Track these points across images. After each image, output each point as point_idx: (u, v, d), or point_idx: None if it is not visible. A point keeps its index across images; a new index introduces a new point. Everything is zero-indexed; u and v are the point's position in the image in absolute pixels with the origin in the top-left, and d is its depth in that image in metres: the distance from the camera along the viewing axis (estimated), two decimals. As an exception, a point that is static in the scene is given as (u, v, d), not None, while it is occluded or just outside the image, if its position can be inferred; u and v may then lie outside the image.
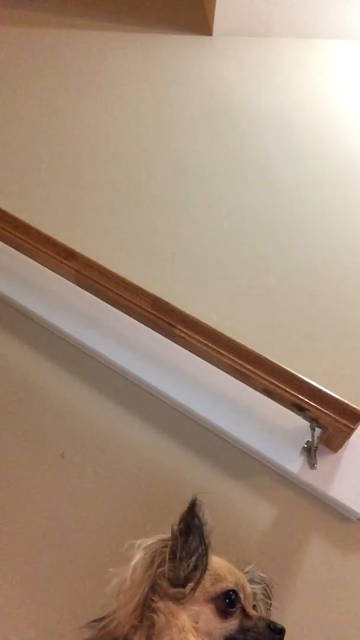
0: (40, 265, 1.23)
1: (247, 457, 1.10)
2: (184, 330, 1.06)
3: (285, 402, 1.01)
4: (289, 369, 1.00)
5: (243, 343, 1.03)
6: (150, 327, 1.12)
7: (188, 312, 1.08)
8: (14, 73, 1.89)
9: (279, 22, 2.05)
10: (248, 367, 1.01)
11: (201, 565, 0.72)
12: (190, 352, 1.08)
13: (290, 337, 1.29)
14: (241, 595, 0.74)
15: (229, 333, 1.05)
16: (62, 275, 1.21)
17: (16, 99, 1.81)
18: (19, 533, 1.01)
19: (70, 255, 1.17)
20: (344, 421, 0.95)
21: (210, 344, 1.04)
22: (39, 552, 0.99)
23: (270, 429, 1.08)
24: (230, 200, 1.58)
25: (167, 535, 0.74)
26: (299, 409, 1.00)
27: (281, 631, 0.72)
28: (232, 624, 0.72)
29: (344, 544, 1.01)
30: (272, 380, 0.99)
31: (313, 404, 0.97)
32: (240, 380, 1.05)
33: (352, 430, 0.96)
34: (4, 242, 1.26)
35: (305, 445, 1.05)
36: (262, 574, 0.84)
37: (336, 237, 1.50)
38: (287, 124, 1.78)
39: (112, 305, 1.16)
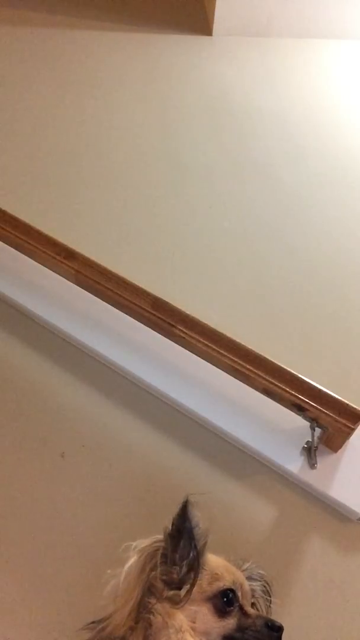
0: (40, 265, 1.23)
1: (247, 457, 1.10)
2: (184, 330, 1.06)
3: (285, 402, 1.01)
4: (289, 369, 1.00)
5: (243, 343, 1.03)
6: (150, 327, 1.12)
7: (188, 312, 1.08)
8: (14, 73, 1.89)
9: (279, 22, 2.05)
10: (248, 367, 1.01)
11: (194, 568, 0.71)
12: (190, 352, 1.08)
13: (290, 337, 1.29)
14: (239, 594, 0.74)
15: (229, 333, 1.05)
16: (62, 275, 1.21)
17: (16, 98, 1.81)
18: (19, 533, 1.01)
19: (70, 255, 1.17)
20: (344, 421, 0.95)
21: (210, 344, 1.04)
22: (39, 551, 0.99)
23: (270, 429, 1.08)
24: (230, 200, 1.58)
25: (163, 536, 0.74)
26: (299, 409, 1.00)
27: (279, 629, 0.72)
28: (230, 622, 0.71)
29: (344, 544, 1.01)
30: (272, 380, 0.99)
31: (313, 404, 0.97)
32: (240, 380, 1.05)
33: (352, 430, 0.96)
34: (4, 242, 1.26)
35: (305, 445, 1.05)
36: (260, 571, 0.84)
37: (336, 237, 1.50)
38: (287, 123, 1.78)
39: (112, 305, 1.16)
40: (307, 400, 0.97)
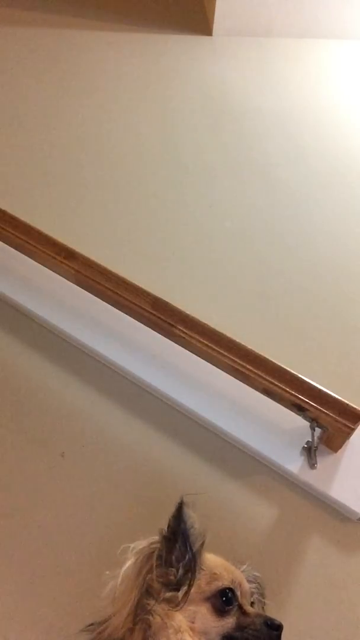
0: (40, 265, 1.23)
1: (247, 457, 1.10)
2: (184, 330, 1.06)
3: (285, 402, 1.01)
4: (289, 369, 1.00)
5: (243, 343, 1.03)
6: (150, 327, 1.12)
7: (188, 312, 1.08)
8: (14, 73, 1.89)
9: (279, 22, 2.05)
10: (248, 367, 1.01)
11: (191, 569, 0.71)
12: (190, 352, 1.08)
13: (290, 337, 1.29)
14: (238, 593, 0.74)
15: (229, 333, 1.05)
16: (62, 275, 1.21)
17: (16, 98, 1.81)
18: (19, 533, 1.01)
19: (70, 255, 1.17)
20: (344, 421, 0.95)
21: (210, 344, 1.04)
22: (39, 551, 0.99)
23: (270, 429, 1.08)
24: (230, 200, 1.58)
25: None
26: (299, 409, 1.00)
27: (278, 627, 0.72)
28: (229, 622, 0.71)
29: (344, 544, 1.01)
30: (272, 380, 0.99)
31: (313, 404, 0.97)
32: (240, 380, 1.05)
33: (352, 430, 0.96)
34: (4, 242, 1.26)
35: (305, 445, 1.05)
36: (256, 573, 0.84)
37: (336, 237, 1.50)
38: (287, 123, 1.78)
39: (112, 305, 1.16)
40: (307, 400, 0.97)
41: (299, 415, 1.02)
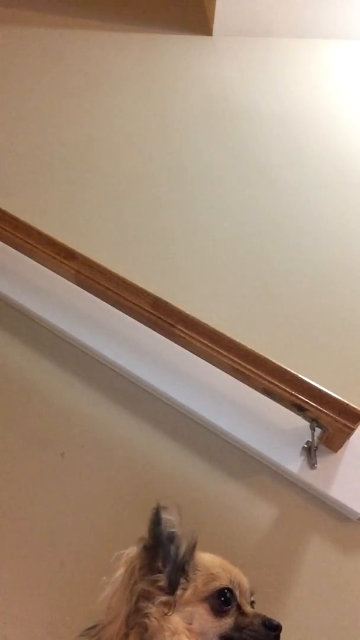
0: (40, 265, 1.23)
1: (247, 457, 1.10)
2: (184, 330, 1.06)
3: (285, 402, 1.01)
4: (289, 369, 1.00)
5: (243, 343, 1.03)
6: (150, 327, 1.12)
7: (188, 312, 1.08)
8: (14, 73, 1.89)
9: (279, 23, 2.05)
10: (248, 367, 1.01)
11: (180, 571, 0.71)
12: (190, 352, 1.08)
13: (290, 337, 1.29)
14: (237, 593, 0.74)
15: (229, 333, 1.05)
16: (62, 275, 1.21)
17: (16, 98, 1.81)
18: (18, 533, 1.01)
19: (70, 255, 1.17)
20: (344, 421, 0.95)
21: (210, 344, 1.04)
22: (38, 551, 0.99)
23: (270, 429, 1.08)
24: (230, 200, 1.58)
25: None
26: (299, 409, 1.00)
27: (277, 627, 0.72)
28: (227, 622, 0.71)
29: (344, 544, 1.01)
30: (272, 380, 0.99)
31: (313, 404, 0.97)
32: (240, 380, 1.05)
33: (352, 430, 0.96)
34: (4, 242, 1.26)
35: (305, 445, 1.05)
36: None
37: (336, 237, 1.50)
38: (287, 123, 1.78)
39: (112, 305, 1.16)
40: (307, 400, 0.97)
41: (299, 415, 1.02)
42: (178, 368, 1.16)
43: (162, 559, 0.71)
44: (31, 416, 1.15)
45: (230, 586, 0.73)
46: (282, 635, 0.73)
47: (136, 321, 1.14)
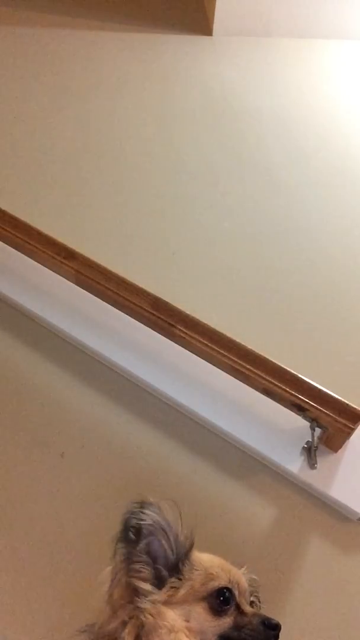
0: (40, 265, 1.23)
1: (247, 457, 1.10)
2: (184, 330, 1.06)
3: (285, 402, 1.01)
4: (289, 369, 1.00)
5: (243, 343, 1.03)
6: (150, 327, 1.12)
7: (188, 312, 1.08)
8: (14, 73, 1.89)
9: (279, 22, 2.05)
10: (248, 367, 1.01)
11: (169, 567, 0.71)
12: (190, 352, 1.08)
13: (291, 337, 1.29)
14: (236, 592, 0.73)
15: (229, 333, 1.05)
16: (62, 275, 1.21)
17: (16, 99, 1.81)
18: (19, 532, 1.01)
19: (70, 255, 1.17)
20: (344, 421, 0.95)
21: (210, 344, 1.04)
22: (38, 551, 0.99)
23: (270, 429, 1.08)
24: (230, 200, 1.58)
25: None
26: (299, 409, 1.00)
27: (276, 627, 0.71)
28: (226, 621, 0.71)
29: (344, 544, 1.01)
30: (272, 380, 0.99)
31: (313, 404, 0.97)
32: (240, 380, 1.05)
33: (352, 430, 0.96)
34: (4, 242, 1.26)
35: (305, 445, 1.05)
36: (253, 576, 0.84)
37: (336, 237, 1.50)
38: (287, 123, 1.78)
39: (112, 305, 1.16)
40: (307, 400, 0.97)
41: (299, 415, 1.02)
42: (178, 368, 1.15)
43: (147, 552, 0.71)
44: (31, 416, 1.15)
45: (229, 586, 0.73)
46: (281, 634, 0.72)
47: (136, 321, 1.14)
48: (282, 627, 0.73)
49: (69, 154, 1.66)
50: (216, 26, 2.05)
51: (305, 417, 1.02)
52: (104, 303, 1.17)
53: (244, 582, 0.77)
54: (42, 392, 1.19)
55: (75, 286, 1.20)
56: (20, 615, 0.93)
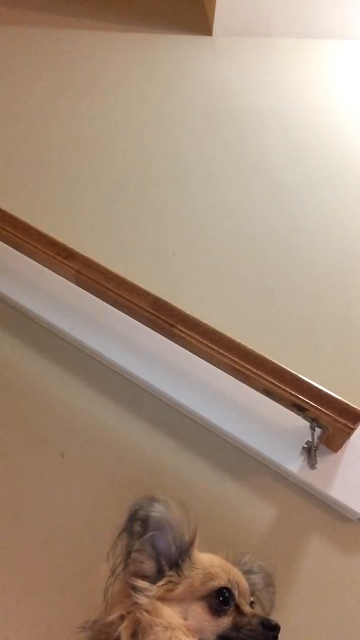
0: (40, 265, 1.23)
1: (247, 457, 1.10)
2: (184, 330, 1.06)
3: (285, 402, 1.01)
4: (289, 369, 1.00)
5: (243, 343, 1.03)
6: (150, 327, 1.12)
7: (188, 312, 1.08)
8: (14, 73, 1.89)
9: (279, 22, 2.05)
10: (248, 367, 1.01)
11: (169, 560, 0.72)
12: (190, 352, 1.08)
13: (290, 337, 1.29)
14: (235, 593, 0.73)
15: (229, 333, 1.05)
16: (62, 275, 1.21)
17: (16, 98, 1.81)
18: (18, 533, 1.01)
19: (70, 255, 1.17)
20: (344, 421, 0.95)
21: (210, 344, 1.04)
22: (38, 551, 0.99)
23: (270, 429, 1.08)
24: (230, 200, 1.58)
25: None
26: (299, 409, 1.00)
27: (275, 628, 0.71)
28: (225, 621, 0.70)
29: (344, 544, 1.01)
30: (272, 380, 0.99)
31: (313, 404, 0.97)
32: (240, 380, 1.05)
33: (352, 430, 0.96)
34: (4, 242, 1.26)
35: (305, 445, 1.05)
36: (261, 563, 0.83)
37: (336, 237, 1.50)
38: (288, 123, 1.78)
39: (112, 305, 1.16)
40: (307, 400, 0.97)
41: (299, 415, 1.02)
42: (178, 368, 1.16)
43: (152, 544, 0.72)
44: (31, 416, 1.15)
45: (228, 586, 0.73)
46: (281, 635, 0.72)
47: (136, 321, 1.14)
48: (281, 627, 0.73)
49: (69, 154, 1.66)
50: (216, 26, 2.05)
51: (305, 417, 1.02)
52: (104, 303, 1.17)
53: (244, 583, 0.76)
54: (42, 392, 1.19)
55: (75, 286, 1.20)
56: (20, 615, 0.93)
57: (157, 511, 0.73)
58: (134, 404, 1.17)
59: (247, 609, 0.74)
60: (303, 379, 0.99)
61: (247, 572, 0.81)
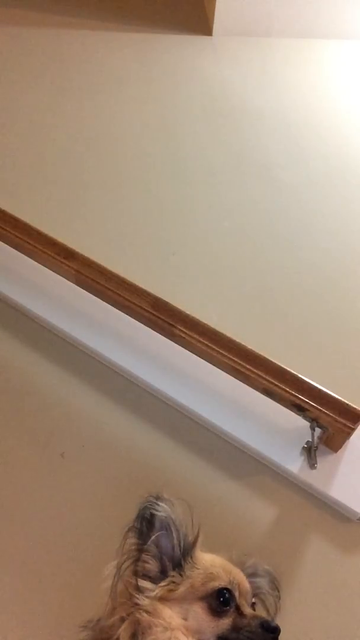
0: (40, 265, 1.23)
1: (247, 457, 1.10)
2: (184, 330, 1.06)
3: (285, 402, 1.01)
4: (289, 369, 1.00)
5: (243, 343, 1.03)
6: (150, 327, 1.12)
7: (188, 312, 1.08)
8: (14, 73, 1.89)
9: (279, 22, 2.05)
10: (248, 367, 1.01)
11: (173, 560, 0.72)
12: (190, 352, 1.08)
13: (290, 337, 1.29)
14: (236, 594, 0.73)
15: (229, 333, 1.05)
16: (62, 275, 1.21)
17: (16, 99, 1.81)
18: (19, 533, 1.01)
19: (70, 255, 1.17)
20: (344, 421, 0.95)
21: (210, 344, 1.04)
22: (39, 551, 0.99)
23: (270, 429, 1.08)
24: (230, 200, 1.58)
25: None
26: (299, 409, 1.00)
27: (275, 630, 0.71)
28: (225, 622, 0.70)
29: (344, 544, 1.01)
30: (272, 380, 0.99)
31: (313, 404, 0.97)
32: (240, 380, 1.05)
33: (352, 430, 0.96)
34: (4, 242, 1.26)
35: (305, 445, 1.05)
36: (266, 566, 0.83)
37: (337, 237, 1.50)
38: (288, 123, 1.78)
39: (112, 305, 1.16)
40: (307, 400, 0.97)
41: (299, 415, 1.02)
42: (178, 368, 1.16)
43: (156, 544, 0.72)
44: (31, 416, 1.15)
45: (229, 586, 0.73)
46: (281, 635, 0.72)
47: (136, 321, 1.14)
48: (281, 627, 0.72)
49: (69, 154, 1.66)
50: (216, 26, 2.05)
51: (305, 417, 1.02)
52: (104, 303, 1.17)
53: (245, 584, 0.76)
54: (42, 392, 1.19)
55: (75, 286, 1.20)
56: (20, 615, 0.93)
57: (163, 511, 0.73)
58: (134, 404, 1.17)
59: (247, 610, 0.74)
60: (303, 379, 0.99)
61: (251, 575, 0.80)
